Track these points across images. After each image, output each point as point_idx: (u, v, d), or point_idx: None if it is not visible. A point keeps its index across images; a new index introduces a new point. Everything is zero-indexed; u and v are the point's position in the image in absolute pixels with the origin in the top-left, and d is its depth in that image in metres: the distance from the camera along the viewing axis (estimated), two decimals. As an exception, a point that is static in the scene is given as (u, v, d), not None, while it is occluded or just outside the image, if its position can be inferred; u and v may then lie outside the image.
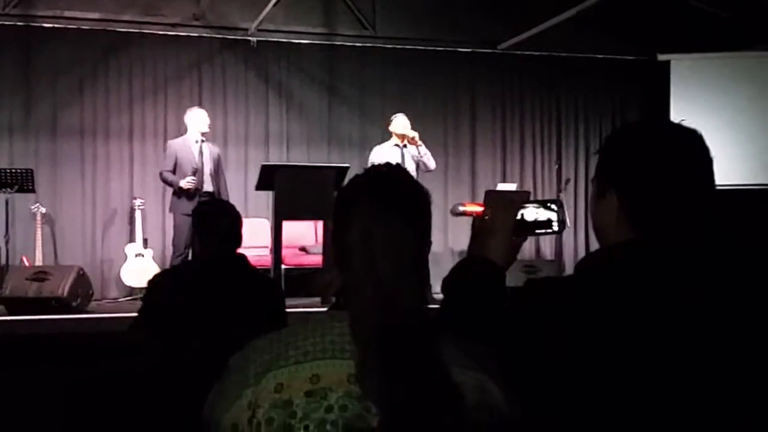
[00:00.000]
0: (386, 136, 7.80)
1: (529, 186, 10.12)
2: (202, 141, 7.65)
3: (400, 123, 7.56)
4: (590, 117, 10.52)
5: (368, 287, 1.22)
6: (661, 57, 10.04)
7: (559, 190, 9.58)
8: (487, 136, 10.23)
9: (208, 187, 7.53)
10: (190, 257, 7.27)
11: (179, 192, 7.43)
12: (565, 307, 1.32)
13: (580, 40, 9.88)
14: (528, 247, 9.66)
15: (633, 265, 1.30)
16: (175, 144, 7.72)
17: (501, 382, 1.26)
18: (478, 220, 1.61)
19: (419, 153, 7.47)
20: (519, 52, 10.02)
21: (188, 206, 7.33)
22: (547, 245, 9.95)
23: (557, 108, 10.49)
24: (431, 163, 7.57)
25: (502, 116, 10.31)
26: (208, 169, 7.58)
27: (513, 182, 9.80)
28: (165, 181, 7.67)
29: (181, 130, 7.98)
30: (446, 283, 1.58)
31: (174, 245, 7.49)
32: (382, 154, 7.42)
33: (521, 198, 1.62)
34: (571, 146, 10.46)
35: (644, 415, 1.23)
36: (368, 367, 1.18)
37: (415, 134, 7.48)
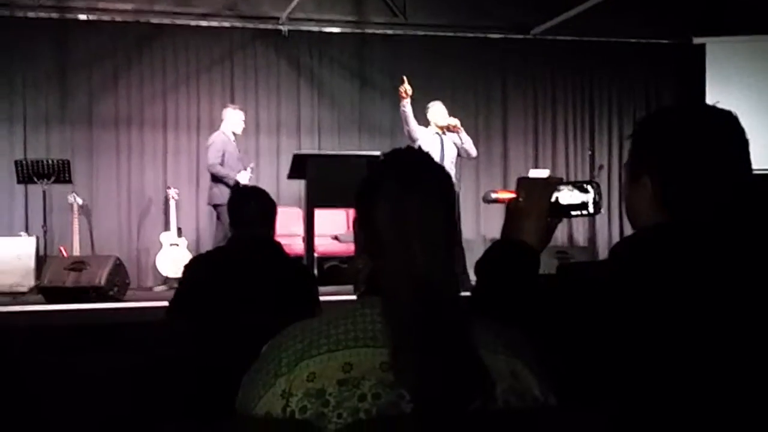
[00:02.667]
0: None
1: (561, 172, 10.05)
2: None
3: (438, 112, 7.46)
4: (624, 102, 10.40)
5: (401, 270, 1.22)
6: (697, 40, 9.90)
7: (592, 176, 9.51)
8: (519, 123, 10.17)
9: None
10: None
11: (222, 185, 7.48)
12: (600, 291, 1.31)
13: (614, 25, 9.76)
14: (561, 233, 9.61)
15: (667, 248, 1.29)
16: (220, 137, 7.81)
17: (534, 367, 1.26)
18: (512, 203, 1.60)
19: (461, 140, 7.42)
20: (551, 38, 9.93)
21: None
22: (580, 231, 9.89)
23: (590, 93, 10.39)
24: (473, 150, 7.52)
25: (534, 102, 10.24)
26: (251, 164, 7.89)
27: (545, 168, 9.74)
28: (218, 175, 7.65)
29: (214, 122, 8.06)
30: (479, 266, 1.57)
31: (216, 238, 7.55)
32: (424, 139, 7.35)
33: (556, 180, 1.59)
34: (605, 132, 10.36)
35: (683, 396, 1.22)
36: (401, 351, 1.19)
37: (457, 122, 7.41)
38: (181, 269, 3.36)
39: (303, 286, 3.22)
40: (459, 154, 7.49)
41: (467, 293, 1.53)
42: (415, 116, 7.39)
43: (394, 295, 1.22)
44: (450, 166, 7.35)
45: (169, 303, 3.21)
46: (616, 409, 1.24)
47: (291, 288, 3.06)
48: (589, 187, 1.57)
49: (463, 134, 7.44)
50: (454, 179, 7.40)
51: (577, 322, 1.31)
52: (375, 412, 1.17)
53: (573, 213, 1.57)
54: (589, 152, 9.92)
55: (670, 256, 1.28)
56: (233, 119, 7.87)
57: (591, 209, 1.57)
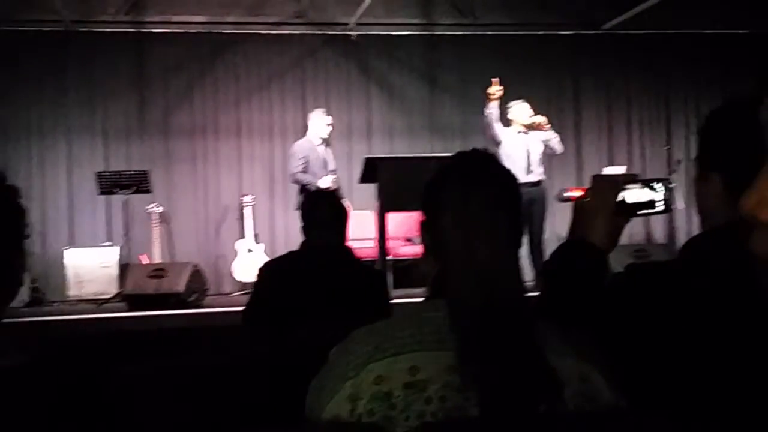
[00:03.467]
0: (504, 123, 7.65)
1: (638, 169, 9.85)
2: (325, 143, 7.77)
3: (521, 111, 7.41)
4: (700, 94, 10.13)
5: (466, 272, 1.22)
6: (775, 29, 9.58)
7: (669, 172, 9.28)
8: (592, 120, 10.02)
9: (336, 185, 7.60)
10: None
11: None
12: (669, 293, 1.28)
13: (687, 16, 9.51)
14: (639, 230, 9.41)
15: (738, 248, 1.26)
16: (302, 145, 7.78)
17: (604, 371, 1.24)
18: (578, 203, 1.58)
19: (548, 137, 7.36)
20: (623, 32, 9.74)
21: None
22: (658, 228, 9.66)
23: (665, 87, 10.16)
24: (559, 147, 7.47)
25: (607, 98, 10.08)
26: (333, 168, 7.76)
27: (621, 165, 9.55)
28: (299, 182, 7.65)
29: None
30: (546, 268, 1.56)
31: None
32: (507, 140, 7.30)
33: (624, 179, 1.55)
34: (681, 126, 10.12)
35: (756, 402, 1.19)
36: (467, 354, 1.18)
37: (544, 119, 7.34)
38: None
39: (374, 289, 3.23)
40: (543, 151, 7.42)
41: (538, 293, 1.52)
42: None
43: (459, 297, 1.22)
44: (537, 164, 7.32)
45: (245, 308, 3.26)
46: (687, 414, 1.21)
47: (362, 292, 3.07)
48: (658, 185, 1.53)
49: (551, 131, 7.38)
50: (542, 177, 7.31)
51: (647, 325, 1.29)
52: (441, 415, 1.18)
53: (640, 212, 1.54)
54: (666, 147, 9.69)
55: (741, 256, 1.24)
56: (317, 124, 7.83)
57: (660, 207, 1.53)
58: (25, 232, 1.31)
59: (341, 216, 3.38)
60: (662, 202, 1.52)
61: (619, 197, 1.52)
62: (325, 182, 7.48)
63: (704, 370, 1.22)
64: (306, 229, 3.35)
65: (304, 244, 3.36)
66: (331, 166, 7.82)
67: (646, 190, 1.53)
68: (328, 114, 8.19)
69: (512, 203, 1.35)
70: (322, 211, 3.32)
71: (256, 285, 3.35)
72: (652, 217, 8.82)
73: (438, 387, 1.19)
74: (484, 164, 1.37)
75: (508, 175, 1.38)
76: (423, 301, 1.34)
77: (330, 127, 7.85)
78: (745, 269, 1.24)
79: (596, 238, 1.50)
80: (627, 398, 1.25)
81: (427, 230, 1.37)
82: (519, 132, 7.39)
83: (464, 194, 1.29)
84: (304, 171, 7.60)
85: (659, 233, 9.69)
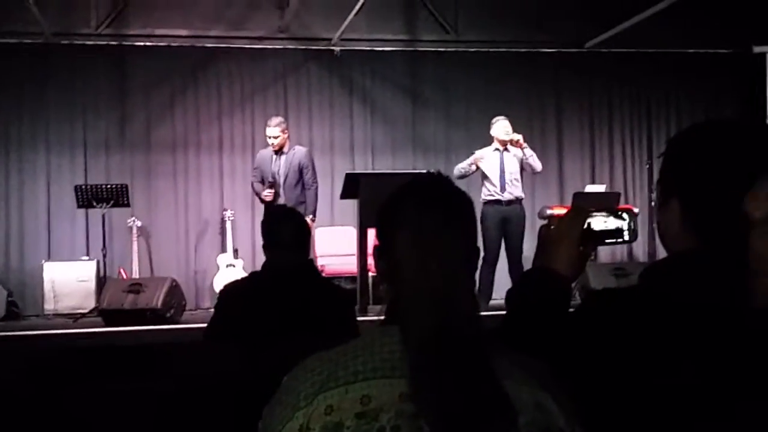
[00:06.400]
0: (486, 140, 7.67)
1: (619, 187, 9.88)
2: (275, 151, 7.52)
3: (501, 128, 7.46)
4: (682, 114, 10.19)
5: (419, 296, 1.20)
6: (757, 49, 9.65)
7: (650, 190, 9.32)
8: (575, 137, 10.05)
9: (281, 200, 7.37)
10: None
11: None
12: (626, 320, 1.26)
13: (670, 35, 9.57)
14: (620, 249, 9.42)
15: (694, 276, 1.24)
16: (259, 154, 7.82)
17: (560, 400, 1.22)
18: (544, 230, 1.57)
19: (525, 155, 7.41)
20: (606, 50, 9.79)
21: None
22: (640, 248, 9.68)
23: (647, 106, 10.21)
24: (538, 165, 7.50)
25: (589, 116, 10.11)
26: (281, 180, 7.45)
27: (602, 183, 9.58)
28: (254, 191, 7.76)
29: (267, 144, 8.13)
30: (510, 296, 1.54)
31: None
32: (485, 157, 7.39)
33: (601, 203, 1.54)
34: (663, 144, 10.06)
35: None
36: (420, 380, 1.16)
37: (519, 137, 7.40)
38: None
39: (340, 309, 3.16)
40: (523, 169, 7.45)
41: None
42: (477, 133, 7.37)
43: (412, 321, 1.20)
44: (513, 181, 7.34)
45: (206, 329, 3.19)
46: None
47: (328, 312, 3.02)
48: (624, 215, 1.53)
49: (528, 150, 7.42)
50: (519, 195, 7.43)
51: (604, 353, 1.26)
52: (394, 445, 1.15)
53: (607, 240, 1.54)
54: (647, 165, 9.73)
55: (696, 284, 1.22)
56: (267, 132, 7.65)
57: (626, 236, 1.53)
58: None
59: (304, 234, 3.31)
60: (628, 232, 1.52)
61: (585, 225, 1.51)
62: (264, 196, 7.32)
63: (661, 399, 1.19)
64: (268, 248, 3.26)
65: (265, 264, 3.27)
66: (282, 176, 7.45)
67: (612, 218, 1.53)
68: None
69: (467, 226, 1.33)
70: (283, 229, 3.23)
71: (216, 307, 3.27)
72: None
73: (391, 416, 1.17)
74: (438, 187, 1.35)
75: (462, 198, 1.36)
76: (377, 327, 1.32)
77: (270, 132, 7.52)
78: (702, 296, 1.22)
79: (561, 265, 1.49)
80: (583, 428, 1.22)
81: (381, 255, 1.35)
82: (495, 149, 7.41)
83: (417, 217, 1.27)
84: (261, 181, 7.52)
85: (641, 251, 9.70)
